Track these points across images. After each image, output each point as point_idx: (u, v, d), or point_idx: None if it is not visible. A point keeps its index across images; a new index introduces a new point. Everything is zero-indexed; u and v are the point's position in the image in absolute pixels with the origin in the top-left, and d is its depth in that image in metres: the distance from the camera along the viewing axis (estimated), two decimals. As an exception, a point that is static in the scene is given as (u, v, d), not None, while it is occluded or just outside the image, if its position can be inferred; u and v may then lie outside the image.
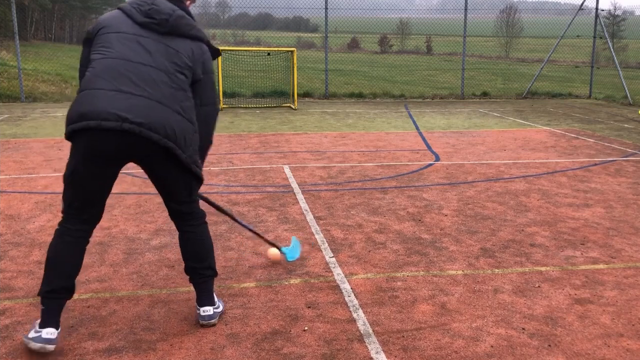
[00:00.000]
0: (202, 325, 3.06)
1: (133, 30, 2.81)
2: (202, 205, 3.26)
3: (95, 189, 2.83)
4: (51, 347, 2.74)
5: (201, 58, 2.89)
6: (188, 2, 3.05)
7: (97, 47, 2.81)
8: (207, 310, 3.06)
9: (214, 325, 3.07)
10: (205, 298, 3.07)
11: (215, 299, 3.14)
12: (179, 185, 2.96)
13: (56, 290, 2.80)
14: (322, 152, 7.87)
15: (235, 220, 3.72)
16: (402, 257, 4.07)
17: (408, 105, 14.00)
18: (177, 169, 2.85)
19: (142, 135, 2.65)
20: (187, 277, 3.13)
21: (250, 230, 3.84)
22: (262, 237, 3.93)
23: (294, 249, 4.00)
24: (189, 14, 2.96)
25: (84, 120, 2.64)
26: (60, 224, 2.88)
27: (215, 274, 3.13)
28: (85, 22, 58.45)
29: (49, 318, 2.78)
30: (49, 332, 2.75)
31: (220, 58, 12.43)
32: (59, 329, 2.81)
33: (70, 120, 2.71)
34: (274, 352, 2.83)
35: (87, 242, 2.94)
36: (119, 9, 2.93)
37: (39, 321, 2.80)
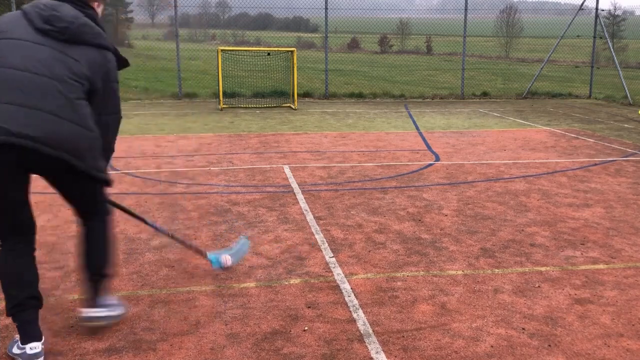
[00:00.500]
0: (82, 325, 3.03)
1: (30, 37, 2.67)
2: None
3: (9, 199, 2.71)
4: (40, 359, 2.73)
5: (104, 67, 2.78)
6: (96, 5, 2.92)
7: None
8: (89, 311, 3.00)
9: (95, 326, 3.00)
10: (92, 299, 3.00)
11: (105, 301, 3.03)
12: (85, 194, 2.91)
13: (22, 303, 2.73)
14: (322, 152, 7.87)
15: (149, 224, 3.57)
16: (402, 257, 4.07)
17: (408, 105, 14.00)
18: (78, 178, 2.76)
19: (37, 149, 2.55)
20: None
21: (169, 235, 3.68)
22: (183, 243, 3.74)
23: (232, 253, 3.77)
24: (94, 20, 2.84)
25: None
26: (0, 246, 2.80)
27: (105, 277, 3.02)
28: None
29: (28, 333, 2.73)
30: (33, 347, 2.72)
31: (220, 58, 12.46)
32: (42, 339, 2.77)
33: None
34: (274, 352, 2.83)
35: (33, 250, 2.86)
36: (21, 9, 2.79)
37: (18, 338, 2.76)
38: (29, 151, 2.56)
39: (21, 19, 2.73)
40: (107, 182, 2.90)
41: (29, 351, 2.71)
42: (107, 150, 2.93)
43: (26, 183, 2.75)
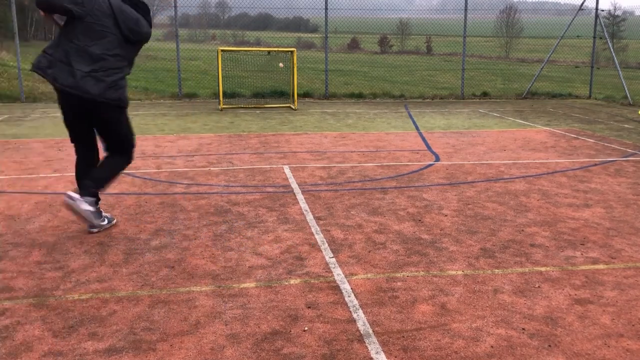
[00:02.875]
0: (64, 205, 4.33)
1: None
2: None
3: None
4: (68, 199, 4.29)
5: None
6: None
7: None
8: (74, 196, 4.31)
9: (69, 209, 4.33)
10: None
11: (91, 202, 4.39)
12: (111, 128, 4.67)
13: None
14: (322, 153, 7.87)
15: None
16: (402, 258, 4.07)
17: (408, 106, 14.01)
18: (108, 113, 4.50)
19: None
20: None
21: None
22: None
23: None
24: None
25: None
26: None
27: (97, 186, 4.48)
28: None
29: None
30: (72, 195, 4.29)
31: (220, 58, 12.47)
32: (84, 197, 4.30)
33: None
34: (274, 352, 2.83)
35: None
36: None
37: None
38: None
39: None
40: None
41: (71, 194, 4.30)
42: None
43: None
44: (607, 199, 5.66)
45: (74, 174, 4.64)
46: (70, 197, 4.27)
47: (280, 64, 13.53)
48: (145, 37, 4.47)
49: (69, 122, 4.44)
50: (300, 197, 5.62)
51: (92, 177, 4.42)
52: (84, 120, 4.37)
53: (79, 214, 4.33)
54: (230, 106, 13.05)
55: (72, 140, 4.56)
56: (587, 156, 7.83)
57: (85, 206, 4.31)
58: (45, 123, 10.41)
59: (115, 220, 4.71)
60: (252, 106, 13.25)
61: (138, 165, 6.96)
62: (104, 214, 4.60)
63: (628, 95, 15.23)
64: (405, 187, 6.06)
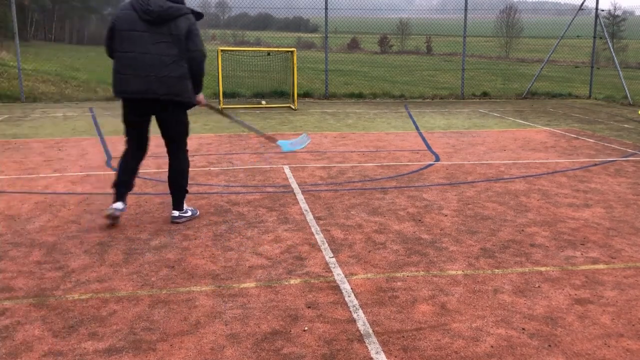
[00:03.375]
0: (172, 222, 4.72)
1: (139, 27, 4.43)
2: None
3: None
4: (118, 213, 4.63)
5: (187, 26, 4.49)
6: None
7: None
8: (175, 212, 4.77)
9: (178, 223, 4.71)
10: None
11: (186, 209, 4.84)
12: (173, 124, 4.81)
13: (121, 183, 4.76)
14: (322, 153, 7.87)
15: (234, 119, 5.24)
16: (402, 257, 4.07)
17: (408, 106, 14.01)
18: (172, 111, 4.67)
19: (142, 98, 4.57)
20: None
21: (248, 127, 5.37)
22: (261, 134, 5.51)
23: (295, 143, 5.25)
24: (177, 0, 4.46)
25: None
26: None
27: (184, 190, 4.87)
28: (85, 23, 58.44)
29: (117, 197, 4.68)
30: (118, 205, 4.66)
31: (220, 58, 12.47)
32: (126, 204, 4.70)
33: None
34: (274, 352, 2.83)
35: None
36: (130, 5, 4.46)
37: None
38: (139, 100, 4.48)
39: (133, 14, 4.37)
40: (191, 103, 4.63)
41: (115, 206, 4.65)
42: (197, 76, 4.55)
43: (145, 121, 4.68)
44: (607, 199, 5.66)
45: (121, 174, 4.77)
46: (176, 217, 4.76)
47: (263, 102, 13.61)
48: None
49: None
50: (300, 197, 5.62)
51: (177, 185, 4.80)
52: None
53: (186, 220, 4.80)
54: (230, 106, 13.05)
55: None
56: (587, 156, 7.83)
57: (188, 213, 4.85)
58: (45, 123, 10.41)
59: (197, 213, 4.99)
60: (252, 106, 13.25)
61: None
62: (185, 207, 4.91)
63: (628, 95, 15.23)
64: (405, 187, 6.06)
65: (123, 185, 4.70)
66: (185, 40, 4.38)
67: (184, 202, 4.84)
